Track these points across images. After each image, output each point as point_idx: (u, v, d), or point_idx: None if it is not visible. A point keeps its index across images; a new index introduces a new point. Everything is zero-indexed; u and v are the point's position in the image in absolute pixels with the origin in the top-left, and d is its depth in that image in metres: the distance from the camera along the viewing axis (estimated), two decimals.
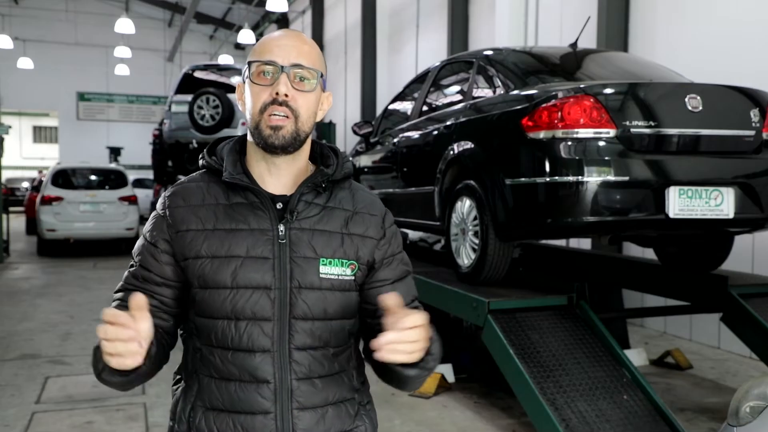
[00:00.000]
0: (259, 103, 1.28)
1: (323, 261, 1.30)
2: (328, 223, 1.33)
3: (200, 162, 1.39)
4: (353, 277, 1.34)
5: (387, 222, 1.41)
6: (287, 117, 1.28)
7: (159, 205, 1.36)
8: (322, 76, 1.32)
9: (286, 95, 1.27)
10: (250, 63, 1.31)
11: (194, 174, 1.41)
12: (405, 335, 1.13)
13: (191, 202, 1.32)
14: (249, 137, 1.35)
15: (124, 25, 17.74)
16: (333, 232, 1.33)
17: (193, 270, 1.29)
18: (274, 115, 1.27)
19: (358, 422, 1.37)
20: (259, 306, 1.27)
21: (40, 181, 22.04)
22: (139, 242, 1.37)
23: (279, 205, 1.32)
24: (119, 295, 1.34)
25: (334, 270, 1.31)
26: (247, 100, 1.32)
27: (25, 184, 25.09)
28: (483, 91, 4.48)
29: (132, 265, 1.36)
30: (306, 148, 1.36)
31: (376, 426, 1.43)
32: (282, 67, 1.27)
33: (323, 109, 1.37)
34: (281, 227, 1.30)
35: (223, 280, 1.27)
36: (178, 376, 1.40)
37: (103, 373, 1.22)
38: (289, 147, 1.30)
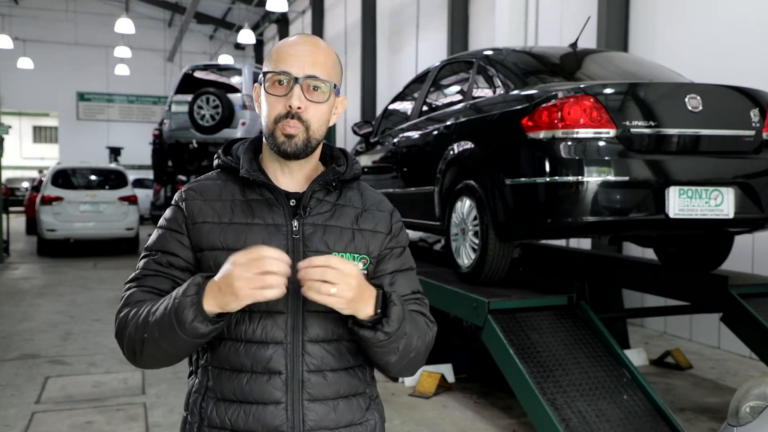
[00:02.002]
0: (274, 114, 1.33)
1: (336, 255, 1.33)
2: (339, 219, 1.38)
3: (215, 162, 1.44)
4: (365, 272, 1.37)
5: (395, 218, 1.47)
6: (299, 128, 1.32)
7: (176, 198, 1.40)
8: (335, 86, 1.36)
9: (299, 107, 1.31)
10: (265, 73, 1.35)
11: (210, 173, 1.45)
12: (310, 272, 1.18)
13: (208, 196, 1.37)
14: (264, 140, 1.39)
15: (124, 25, 17.75)
16: (344, 228, 1.37)
17: (208, 261, 1.33)
18: (287, 126, 1.32)
19: (368, 416, 1.40)
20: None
21: (40, 181, 22.06)
22: (155, 234, 1.39)
23: (292, 202, 1.36)
24: (136, 282, 1.34)
25: None
26: (262, 107, 1.37)
27: (26, 184, 25.08)
28: (483, 91, 4.48)
29: (149, 255, 1.36)
30: (317, 151, 1.41)
31: (384, 419, 1.47)
32: (296, 78, 1.31)
33: (337, 113, 1.42)
34: (295, 222, 1.34)
35: None
36: (191, 368, 1.42)
37: (196, 321, 1.19)
38: (301, 154, 1.35)
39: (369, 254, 1.38)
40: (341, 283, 1.19)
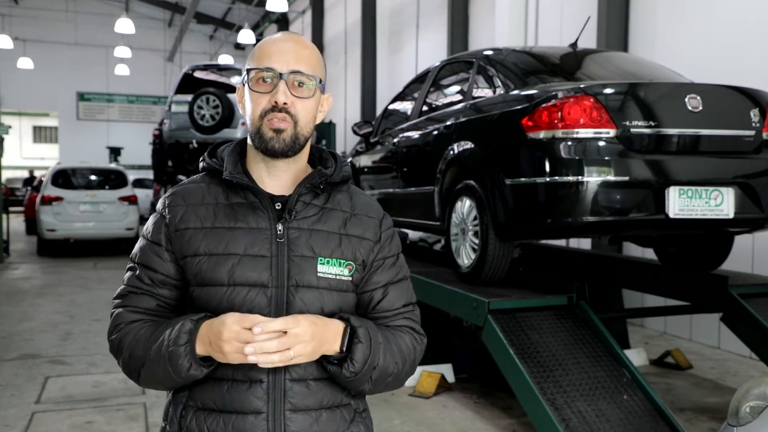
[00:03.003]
0: (259, 110, 1.30)
1: (321, 260, 1.31)
2: (326, 223, 1.34)
3: (200, 164, 1.41)
4: (350, 278, 1.34)
5: (384, 225, 1.42)
6: (287, 122, 1.30)
7: (159, 205, 1.37)
8: (321, 81, 1.34)
9: (285, 103, 1.29)
10: (248, 69, 1.32)
11: (194, 176, 1.42)
12: (263, 346, 1.17)
13: (191, 201, 1.34)
14: (249, 141, 1.36)
15: (124, 25, 17.75)
16: (331, 233, 1.34)
17: (191, 268, 1.30)
18: (275, 120, 1.29)
19: (353, 428, 1.36)
20: (256, 304, 1.27)
21: (31, 179, 22.01)
22: (139, 244, 1.37)
23: (278, 205, 1.33)
24: (122, 301, 1.34)
25: (332, 270, 1.32)
26: (246, 106, 1.33)
27: (23, 185, 25.04)
28: (483, 91, 4.48)
29: (133, 269, 1.35)
30: (305, 152, 1.38)
31: None
32: (280, 74, 1.29)
33: (323, 110, 1.39)
34: (280, 226, 1.31)
35: (219, 277, 1.28)
36: None
37: (191, 369, 1.23)
38: (289, 151, 1.32)
39: (355, 260, 1.34)
40: (295, 344, 1.19)
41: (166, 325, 1.27)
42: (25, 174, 26.16)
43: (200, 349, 1.22)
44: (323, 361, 1.28)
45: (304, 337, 1.20)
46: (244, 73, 1.34)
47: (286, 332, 1.19)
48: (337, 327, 1.27)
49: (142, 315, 1.32)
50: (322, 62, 1.37)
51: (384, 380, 1.33)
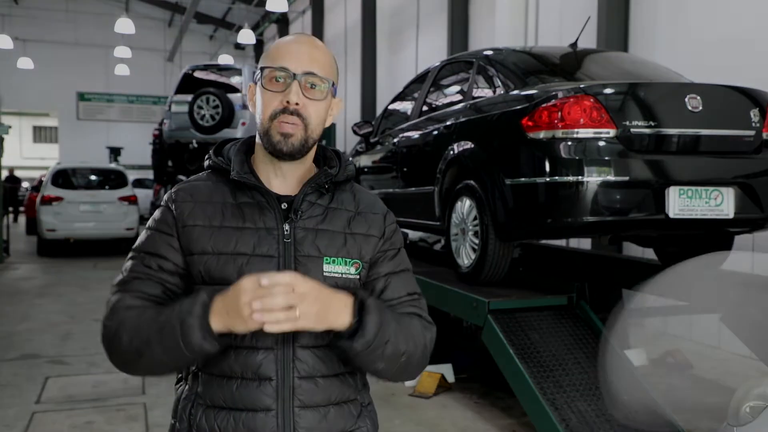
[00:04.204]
0: (270, 110, 1.30)
1: (327, 260, 1.32)
2: (331, 222, 1.35)
3: (206, 162, 1.41)
4: (358, 276, 1.35)
5: (388, 220, 1.43)
6: (297, 125, 1.30)
7: (165, 198, 1.37)
8: (333, 84, 1.34)
9: (297, 104, 1.29)
10: (262, 68, 1.32)
11: (200, 174, 1.42)
12: (270, 301, 1.13)
13: (198, 198, 1.34)
14: (257, 139, 1.37)
15: (124, 25, 17.77)
16: (336, 232, 1.35)
17: (197, 265, 1.30)
18: (285, 123, 1.29)
19: (360, 423, 1.37)
20: None
21: (11, 178, 21.83)
22: (144, 235, 1.35)
23: (284, 205, 1.34)
24: (124, 286, 1.30)
25: (338, 269, 1.33)
26: (257, 104, 1.34)
27: (26, 185, 24.90)
28: (483, 91, 4.48)
29: (137, 257, 1.33)
30: (311, 153, 1.39)
31: (378, 427, 1.44)
32: (294, 74, 1.29)
33: (332, 114, 1.39)
34: (286, 226, 1.32)
35: (228, 276, 1.27)
36: (180, 375, 1.41)
37: (204, 342, 1.19)
38: (297, 154, 1.32)
39: (361, 259, 1.35)
40: (301, 303, 1.16)
41: (174, 302, 1.24)
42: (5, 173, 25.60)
43: (217, 323, 1.19)
44: (334, 339, 1.25)
45: (309, 297, 1.17)
46: (258, 71, 1.34)
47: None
48: (345, 299, 1.25)
49: (145, 301, 1.28)
50: (335, 66, 1.37)
51: (397, 360, 1.30)
